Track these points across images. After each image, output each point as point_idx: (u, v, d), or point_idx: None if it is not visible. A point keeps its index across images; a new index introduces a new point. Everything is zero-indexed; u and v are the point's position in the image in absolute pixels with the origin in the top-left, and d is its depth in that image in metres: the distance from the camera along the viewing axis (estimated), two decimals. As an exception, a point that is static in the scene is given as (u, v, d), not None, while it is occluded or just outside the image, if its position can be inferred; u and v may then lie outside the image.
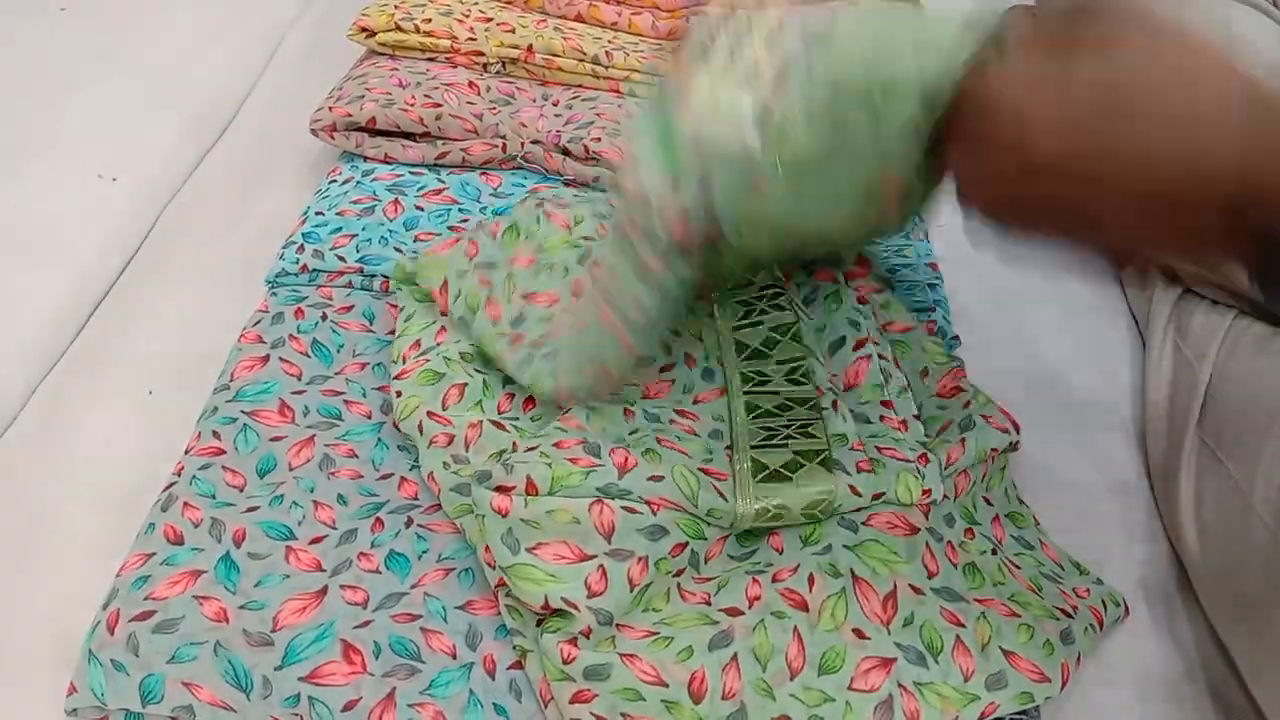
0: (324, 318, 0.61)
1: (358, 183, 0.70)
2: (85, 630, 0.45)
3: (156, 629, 0.44)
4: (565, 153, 0.72)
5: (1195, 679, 0.50)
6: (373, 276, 0.64)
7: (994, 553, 0.50)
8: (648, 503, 0.46)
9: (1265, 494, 0.47)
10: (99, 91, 0.80)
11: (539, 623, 0.45)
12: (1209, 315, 0.60)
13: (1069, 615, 0.47)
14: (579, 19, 0.82)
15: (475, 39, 0.76)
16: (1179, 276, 0.63)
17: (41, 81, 0.80)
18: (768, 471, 0.48)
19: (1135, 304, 0.67)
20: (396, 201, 0.68)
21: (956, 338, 0.62)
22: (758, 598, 0.46)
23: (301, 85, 0.80)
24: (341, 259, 0.64)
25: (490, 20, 0.78)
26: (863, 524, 0.48)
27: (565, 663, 0.43)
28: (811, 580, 0.46)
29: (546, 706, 0.44)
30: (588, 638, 0.44)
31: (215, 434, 0.54)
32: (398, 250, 0.65)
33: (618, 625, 0.45)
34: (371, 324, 0.62)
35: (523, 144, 0.72)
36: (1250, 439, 0.50)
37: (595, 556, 0.45)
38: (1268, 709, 0.45)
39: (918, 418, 0.52)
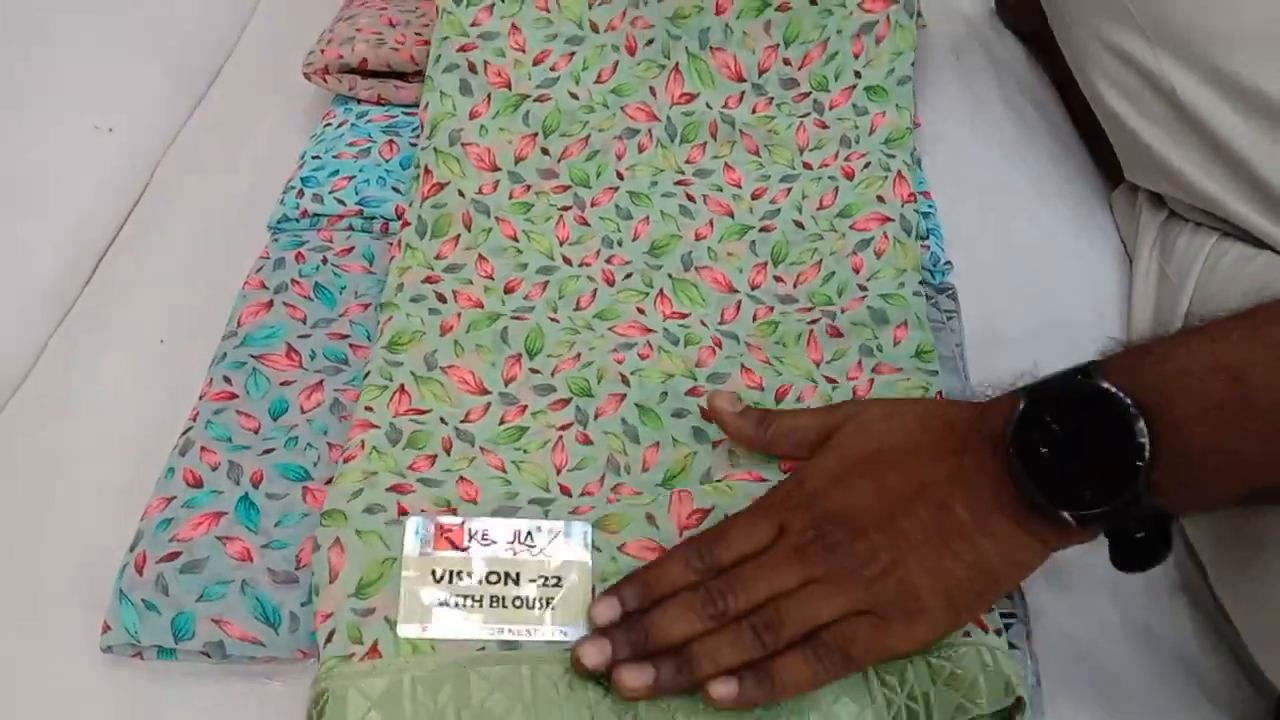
0: (325, 261, 0.62)
1: (352, 125, 0.70)
2: (114, 572, 0.47)
3: (184, 569, 0.46)
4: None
5: (1177, 591, 0.52)
6: (372, 219, 0.65)
7: None
8: None
9: None
10: (84, 40, 0.79)
11: None
12: (1192, 237, 0.61)
13: None
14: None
15: (463, -25, 0.76)
16: (1164, 200, 0.64)
17: (23, 30, 0.79)
18: None
19: (1124, 226, 0.68)
20: (392, 142, 0.68)
21: (949, 263, 0.64)
22: None
23: (291, 28, 0.79)
24: (341, 202, 0.65)
25: (477, -45, 0.78)
26: None
27: None
28: None
29: None
30: None
31: (226, 379, 0.55)
32: (395, 190, 0.66)
33: None
34: (371, 265, 0.63)
35: (515, 81, 0.72)
36: None
37: None
38: (1234, 614, 0.48)
39: None
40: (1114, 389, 0.39)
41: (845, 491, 0.44)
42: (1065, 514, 0.40)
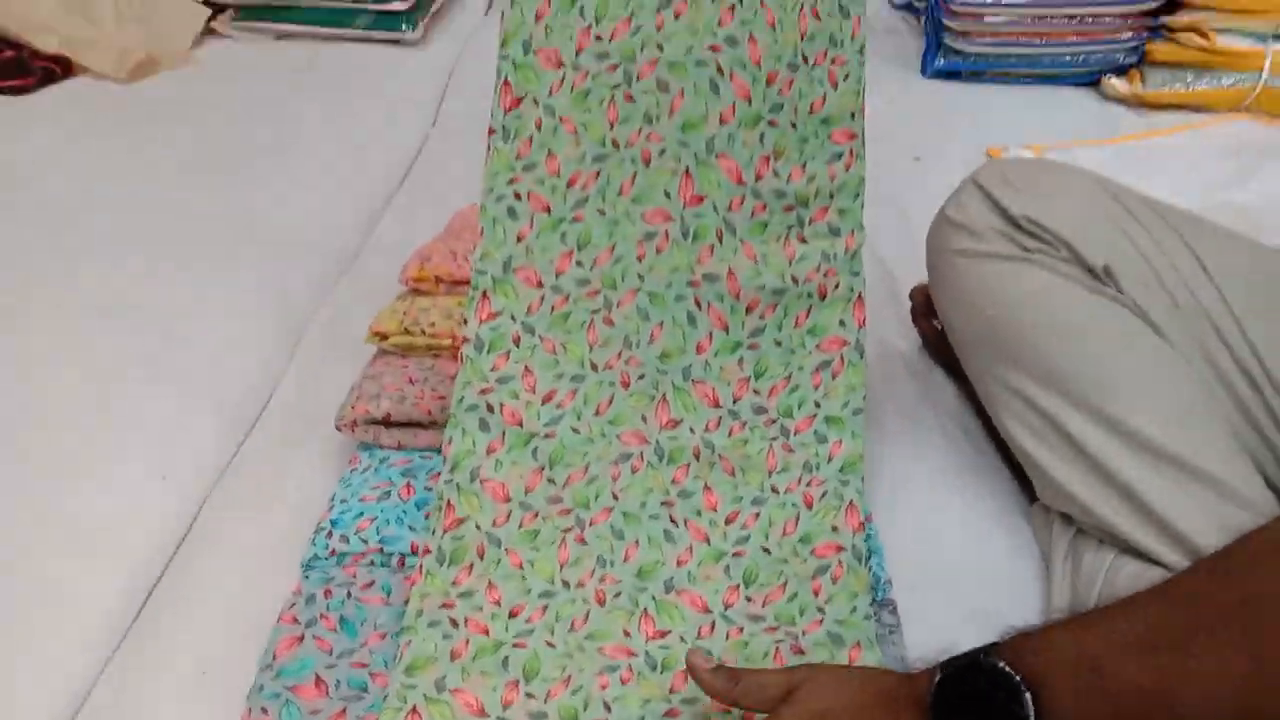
0: (349, 595, 0.72)
1: (376, 469, 0.81)
2: None
3: None
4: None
5: None
6: (390, 555, 0.75)
7: None
8: None
9: None
10: (143, 397, 0.92)
11: None
12: (1097, 553, 0.71)
13: None
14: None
15: (471, 336, 0.90)
16: (1072, 518, 0.74)
17: (99, 392, 0.92)
18: None
19: (1041, 539, 0.78)
20: (409, 485, 0.80)
21: (890, 581, 0.73)
22: None
23: (319, 381, 0.92)
24: (364, 541, 0.75)
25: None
26: None
27: None
28: None
29: None
30: None
31: (264, 709, 0.63)
32: (411, 529, 0.76)
33: None
34: (389, 597, 0.72)
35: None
36: None
37: None
38: None
39: None
40: (1007, 668, 0.49)
41: None
42: None
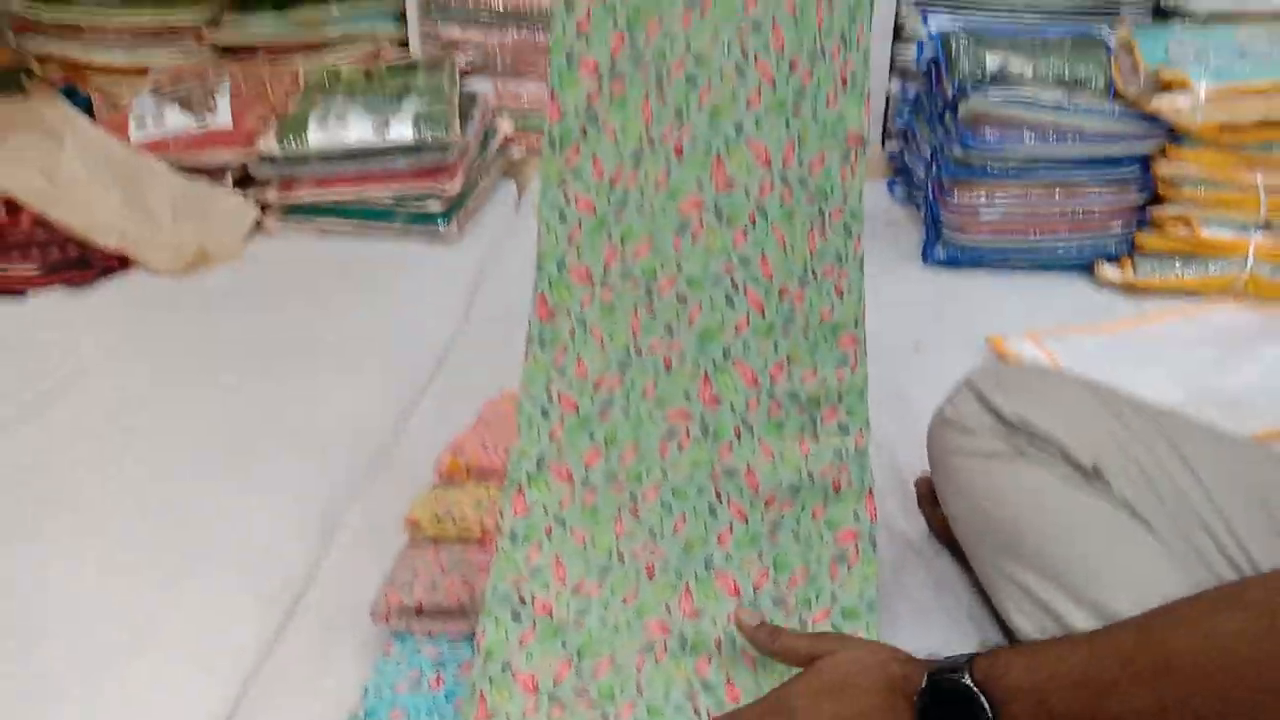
0: (381, 789, 0.75)
1: (409, 658, 0.85)
2: None
3: None
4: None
5: None
6: (421, 746, 0.78)
7: None
8: None
9: None
10: (182, 588, 0.96)
11: None
12: None
13: None
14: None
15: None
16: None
17: (133, 581, 0.97)
18: None
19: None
20: (439, 676, 0.84)
21: None
22: None
23: (355, 571, 0.97)
24: (396, 731, 0.79)
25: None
26: None
27: None
28: None
29: None
30: None
31: None
32: None
33: None
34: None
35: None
36: None
37: None
38: None
39: None
40: (974, 687, 0.58)
41: (812, 707, 0.64)
42: None
